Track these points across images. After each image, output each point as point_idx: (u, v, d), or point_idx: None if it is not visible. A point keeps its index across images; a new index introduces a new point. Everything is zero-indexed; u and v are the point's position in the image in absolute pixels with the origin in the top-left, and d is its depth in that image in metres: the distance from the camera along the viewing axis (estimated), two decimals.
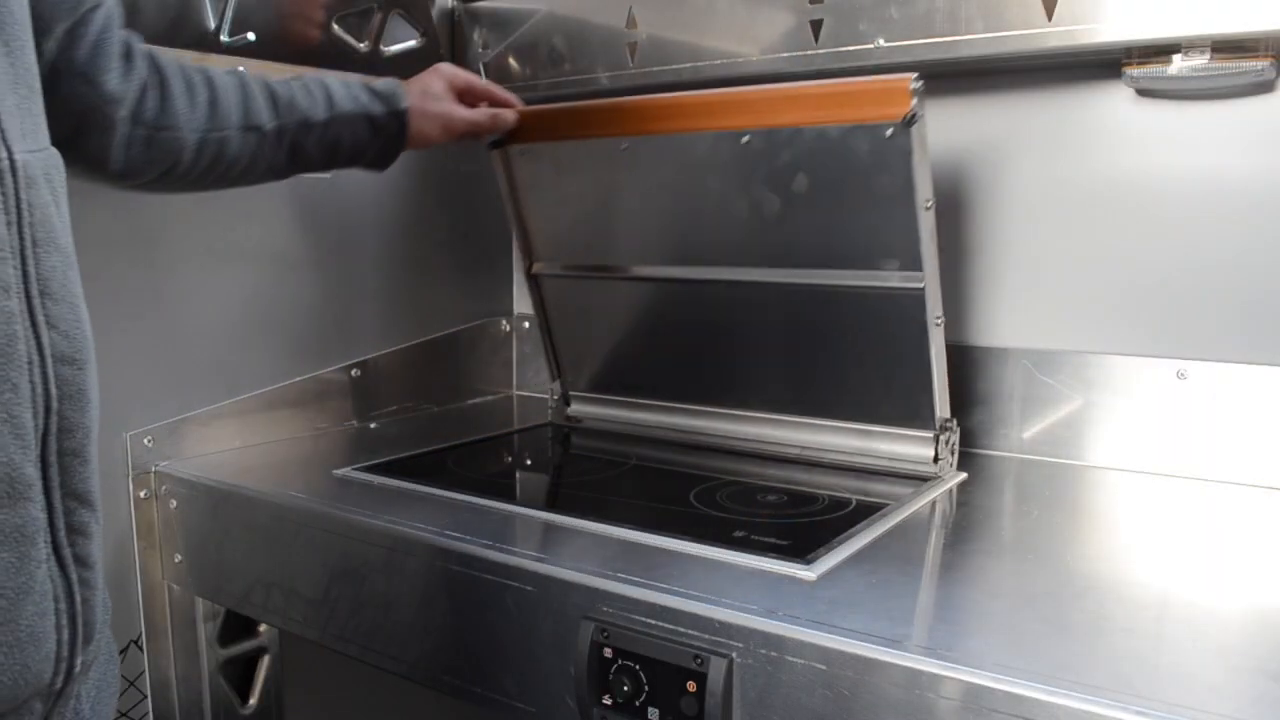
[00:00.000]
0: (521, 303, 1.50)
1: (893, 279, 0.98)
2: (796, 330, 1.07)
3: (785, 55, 1.08)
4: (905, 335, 0.99)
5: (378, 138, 0.97)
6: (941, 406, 1.00)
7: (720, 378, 1.16)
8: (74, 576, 0.55)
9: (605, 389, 1.25)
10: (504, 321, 1.48)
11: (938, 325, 0.98)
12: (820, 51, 1.06)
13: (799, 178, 0.99)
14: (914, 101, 0.89)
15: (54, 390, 0.53)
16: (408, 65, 1.31)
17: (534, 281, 1.24)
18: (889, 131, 0.90)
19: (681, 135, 1.04)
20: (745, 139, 0.99)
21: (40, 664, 0.53)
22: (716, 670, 0.64)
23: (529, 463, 1.15)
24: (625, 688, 0.68)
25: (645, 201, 1.12)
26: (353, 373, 1.26)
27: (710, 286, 1.11)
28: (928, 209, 0.93)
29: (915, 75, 0.88)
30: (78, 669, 0.56)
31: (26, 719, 0.54)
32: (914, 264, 0.96)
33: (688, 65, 1.15)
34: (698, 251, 1.10)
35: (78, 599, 0.55)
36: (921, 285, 0.96)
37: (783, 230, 1.02)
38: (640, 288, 1.17)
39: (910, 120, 0.89)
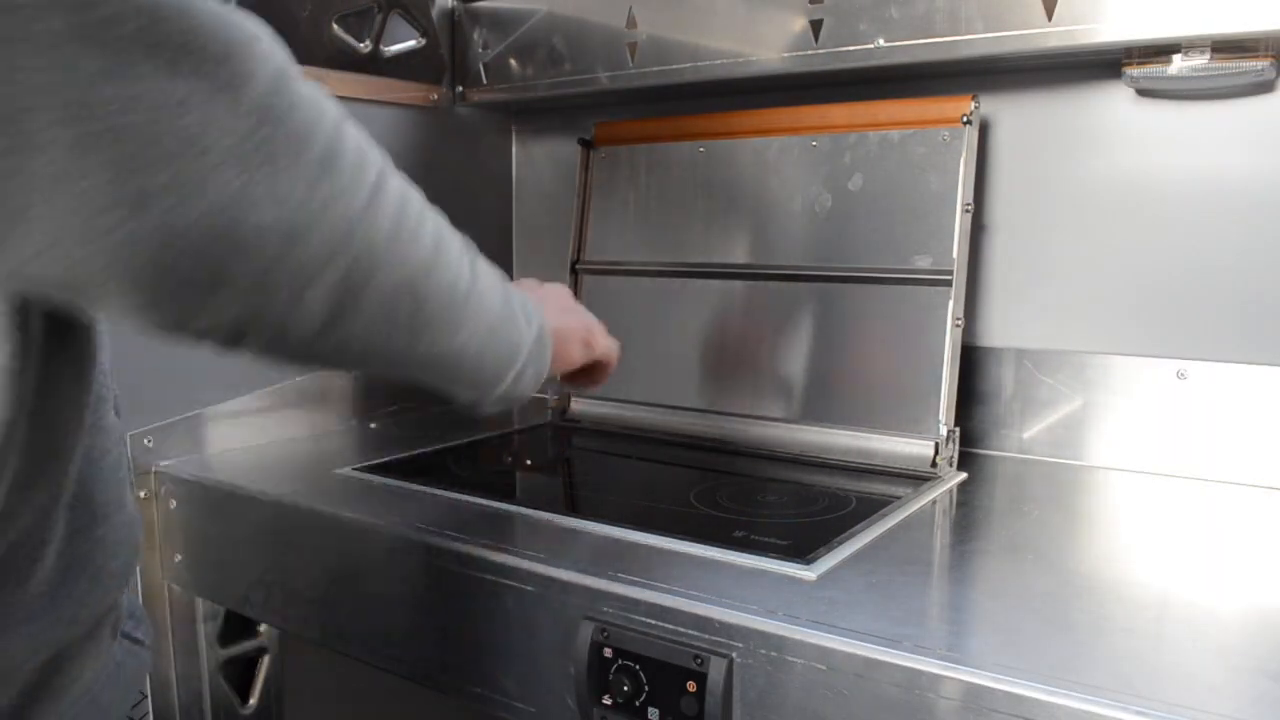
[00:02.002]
0: None
1: (923, 273, 1.04)
2: (816, 325, 1.10)
3: (785, 55, 1.08)
4: (924, 333, 1.03)
5: None
6: (948, 412, 1.00)
7: (724, 381, 1.16)
8: None
9: (606, 389, 1.25)
10: None
11: (957, 326, 1.01)
12: (820, 51, 1.06)
13: (855, 177, 1.10)
14: (972, 108, 1.03)
15: None
16: (408, 65, 1.31)
17: (575, 275, 1.30)
18: (945, 136, 1.04)
19: (756, 139, 1.16)
20: (814, 143, 1.12)
21: None
22: (716, 670, 0.64)
23: (529, 462, 1.15)
24: (625, 688, 0.68)
25: (704, 201, 1.20)
26: (353, 372, 1.26)
27: (744, 280, 1.17)
28: (966, 211, 1.03)
29: (974, 96, 1.04)
30: None
31: None
32: (945, 261, 1.03)
33: (688, 65, 1.15)
34: (740, 246, 1.18)
35: None
36: (949, 279, 1.02)
37: (829, 224, 1.11)
38: (673, 284, 1.22)
39: (966, 120, 1.03)
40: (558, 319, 0.72)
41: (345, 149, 0.45)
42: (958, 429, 1.01)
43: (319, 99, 0.44)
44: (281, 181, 0.41)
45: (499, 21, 1.32)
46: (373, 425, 1.27)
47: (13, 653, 0.50)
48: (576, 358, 0.75)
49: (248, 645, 1.16)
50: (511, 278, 1.49)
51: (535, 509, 0.88)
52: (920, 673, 0.58)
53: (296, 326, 0.46)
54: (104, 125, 0.35)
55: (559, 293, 0.81)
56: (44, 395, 0.48)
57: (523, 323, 0.63)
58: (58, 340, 0.48)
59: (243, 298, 0.43)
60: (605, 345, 0.79)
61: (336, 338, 0.48)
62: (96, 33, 0.35)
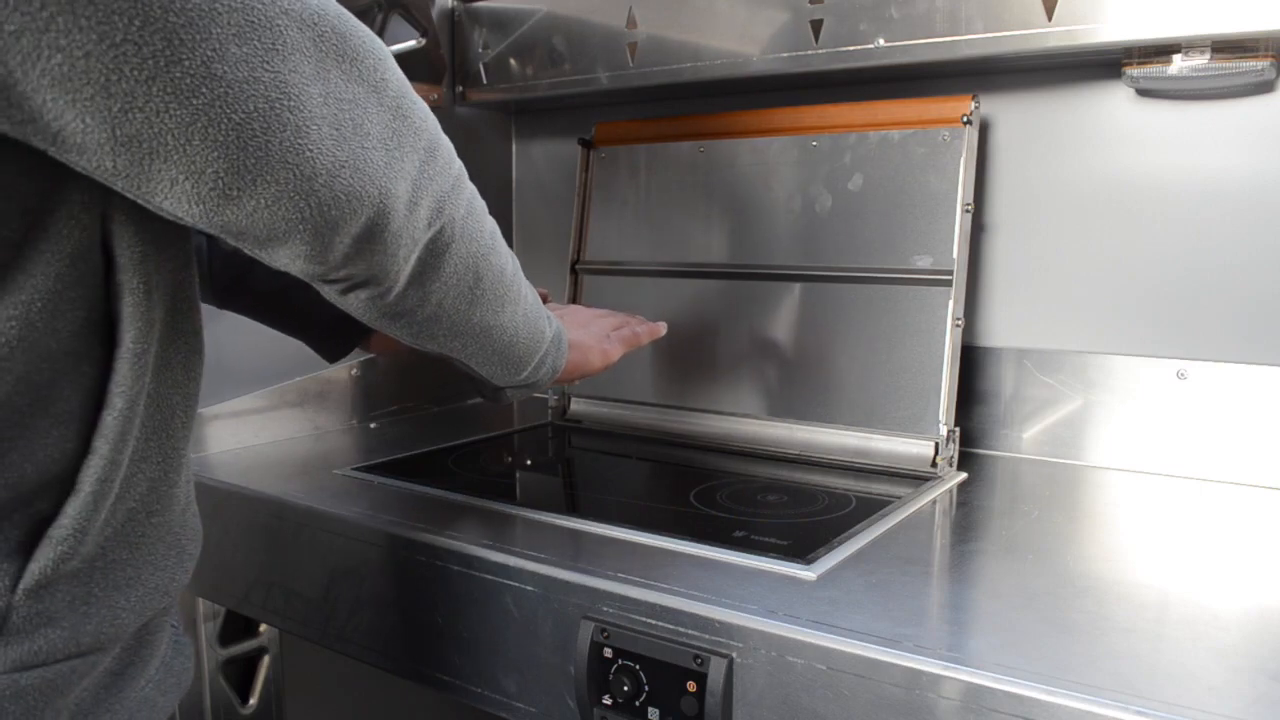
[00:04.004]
0: None
1: (923, 273, 1.04)
2: (816, 325, 1.10)
3: (785, 55, 1.08)
4: (924, 333, 1.03)
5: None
6: (948, 412, 1.00)
7: (723, 381, 1.16)
8: None
9: (606, 389, 1.25)
10: None
11: (957, 326, 1.01)
12: (820, 51, 1.06)
13: (855, 177, 1.09)
14: (972, 108, 1.02)
15: None
16: (408, 65, 1.31)
17: (575, 275, 1.30)
18: (945, 136, 1.04)
19: (756, 139, 1.16)
20: (814, 143, 1.12)
21: None
22: (716, 670, 0.64)
23: (529, 463, 1.15)
24: (625, 688, 0.68)
25: (703, 201, 1.20)
26: (353, 372, 1.26)
27: (744, 280, 1.16)
28: (966, 211, 1.02)
29: (974, 96, 1.03)
30: None
31: None
32: (945, 261, 1.03)
33: (688, 65, 1.15)
34: (740, 246, 1.18)
35: None
36: (950, 279, 1.02)
37: (828, 225, 1.11)
38: (672, 285, 1.21)
39: (966, 120, 1.03)
40: (574, 333, 0.85)
41: (441, 144, 0.58)
42: (958, 429, 1.01)
43: (424, 105, 0.56)
44: (407, 161, 0.53)
45: (499, 21, 1.32)
46: (373, 425, 1.27)
47: (123, 613, 0.54)
48: (595, 365, 0.87)
49: (248, 645, 1.17)
50: None
51: (535, 509, 0.88)
52: (920, 673, 0.58)
53: (398, 283, 0.57)
54: (314, 115, 0.47)
55: (576, 310, 0.96)
56: (158, 378, 0.54)
57: (545, 321, 0.76)
58: (173, 327, 0.54)
59: (379, 254, 0.54)
60: (620, 348, 0.92)
61: (419, 294, 0.60)
62: (313, 45, 0.47)
